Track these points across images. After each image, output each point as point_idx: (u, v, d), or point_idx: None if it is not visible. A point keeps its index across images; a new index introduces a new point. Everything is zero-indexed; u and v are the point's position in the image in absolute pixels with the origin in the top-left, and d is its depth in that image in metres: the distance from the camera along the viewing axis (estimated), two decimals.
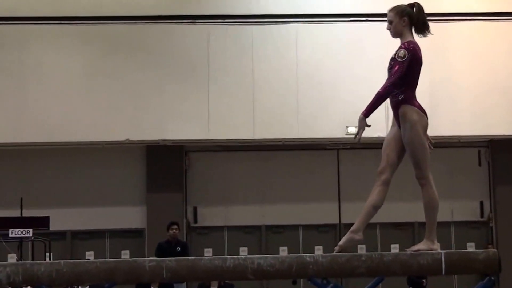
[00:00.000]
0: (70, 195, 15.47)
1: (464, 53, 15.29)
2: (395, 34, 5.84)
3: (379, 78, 15.81)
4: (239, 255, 7.92)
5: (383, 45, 15.21)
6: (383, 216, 15.43)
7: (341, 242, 5.58)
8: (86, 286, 10.96)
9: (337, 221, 15.91)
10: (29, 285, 5.49)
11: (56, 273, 5.12)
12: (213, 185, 15.83)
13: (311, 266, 5.20)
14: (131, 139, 14.95)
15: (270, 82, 15.07)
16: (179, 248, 12.65)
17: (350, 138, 14.41)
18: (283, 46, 15.15)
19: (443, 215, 15.71)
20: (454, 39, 15.28)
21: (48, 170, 15.50)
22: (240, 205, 15.85)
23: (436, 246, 5.60)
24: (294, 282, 12.80)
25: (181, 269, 5.15)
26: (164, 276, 5.15)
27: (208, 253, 14.39)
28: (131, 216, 15.60)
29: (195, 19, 15.14)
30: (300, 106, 14.98)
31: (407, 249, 5.58)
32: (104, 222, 15.54)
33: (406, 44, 5.70)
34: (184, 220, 15.50)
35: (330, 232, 15.94)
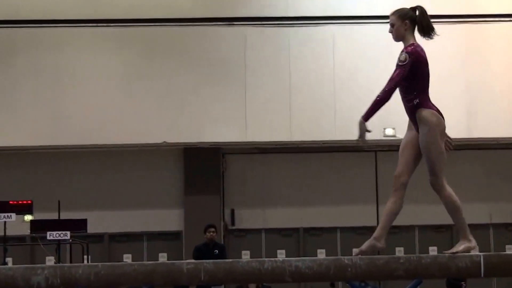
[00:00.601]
0: (108, 198, 15.55)
1: (501, 54, 15.13)
2: (397, 38, 5.78)
3: None
4: (276, 257, 7.90)
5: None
6: (422, 218, 15.38)
7: (363, 247, 5.54)
8: None
9: (375, 223, 15.77)
10: None
11: (94, 275, 5.13)
12: (250, 187, 15.82)
13: (349, 269, 5.16)
14: (168, 141, 14.99)
15: (307, 84, 15.03)
16: (217, 251, 12.63)
17: (388, 139, 14.35)
18: (320, 48, 15.11)
19: (481, 218, 15.65)
20: (491, 40, 15.12)
21: (86, 173, 15.59)
22: (278, 207, 15.83)
23: (474, 244, 5.55)
24: (333, 285, 12.78)
25: (218, 272, 5.14)
26: (202, 278, 5.14)
27: (245, 255, 14.41)
28: (168, 219, 15.64)
29: (232, 21, 15.15)
30: (337, 107, 14.92)
31: (446, 252, 5.52)
32: (142, 224, 15.60)
33: (407, 47, 5.64)
34: (222, 223, 15.51)
35: (368, 234, 15.59)
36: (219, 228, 14.76)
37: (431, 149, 5.63)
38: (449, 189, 5.69)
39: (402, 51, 5.67)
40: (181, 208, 15.60)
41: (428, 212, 14.63)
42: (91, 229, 13.67)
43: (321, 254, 14.87)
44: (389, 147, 15.13)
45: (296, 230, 15.84)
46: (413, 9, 5.79)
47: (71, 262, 13.21)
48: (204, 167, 15.60)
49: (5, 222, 12.60)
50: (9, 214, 12.53)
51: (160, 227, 15.68)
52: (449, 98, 14.79)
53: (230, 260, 5.37)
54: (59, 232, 12.64)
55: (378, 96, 5.63)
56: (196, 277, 5.17)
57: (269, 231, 15.85)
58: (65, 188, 15.26)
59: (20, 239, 14.76)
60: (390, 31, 5.81)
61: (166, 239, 15.72)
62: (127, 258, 15.04)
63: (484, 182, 15.75)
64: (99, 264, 5.25)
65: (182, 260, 12.15)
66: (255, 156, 15.97)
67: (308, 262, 5.16)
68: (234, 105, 14.97)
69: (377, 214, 15.82)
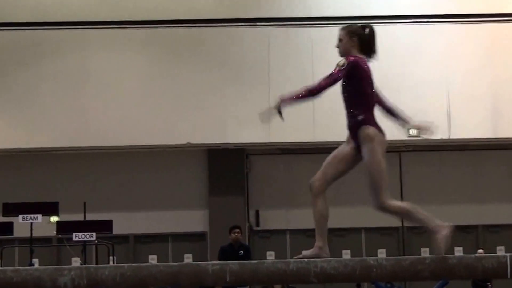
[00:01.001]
0: (133, 199, 15.61)
1: None
2: (343, 53, 5.70)
3: (440, 78, 15.73)
4: None
5: (444, 46, 15.14)
6: (448, 218, 15.30)
7: (307, 253, 5.46)
8: None
9: (399, 224, 15.74)
10: None
11: (120, 276, 5.15)
12: (274, 188, 15.82)
13: (374, 270, 5.14)
14: (192, 142, 15.03)
15: None
16: (242, 252, 12.64)
17: (412, 140, 14.27)
18: None
19: (507, 218, 15.54)
20: None
21: (111, 174, 15.67)
22: (302, 208, 15.74)
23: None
24: (358, 286, 12.76)
25: (244, 273, 5.14)
26: (228, 279, 5.15)
27: (270, 256, 14.41)
28: (193, 220, 15.68)
29: (255, 22, 15.16)
30: None
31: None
32: (167, 225, 15.64)
33: (349, 57, 5.56)
34: (246, 224, 15.52)
35: (393, 235, 15.80)
36: (244, 229, 14.76)
37: (375, 166, 5.59)
38: (394, 201, 5.62)
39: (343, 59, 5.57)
40: (206, 209, 15.63)
41: (453, 213, 14.59)
42: (116, 230, 13.72)
43: (346, 255, 14.84)
44: (414, 147, 15.10)
45: None
46: (363, 27, 5.73)
47: (96, 263, 13.28)
48: (228, 168, 15.63)
49: (31, 223, 12.70)
50: (35, 216, 12.62)
51: (185, 228, 15.72)
52: (474, 98, 14.72)
53: (256, 261, 5.38)
54: (85, 234, 12.71)
55: (309, 89, 5.57)
56: (222, 278, 5.17)
57: (293, 231, 15.84)
58: (90, 189, 15.34)
59: (46, 240, 14.85)
60: (337, 46, 5.74)
61: (191, 240, 15.76)
62: (152, 259, 15.09)
63: (508, 182, 15.65)
64: (125, 265, 5.27)
65: (207, 261, 12.17)
66: (279, 156, 15.98)
67: (333, 262, 5.16)
68: (258, 105, 14.86)
69: None
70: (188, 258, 15.09)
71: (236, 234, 12.87)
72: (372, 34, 5.71)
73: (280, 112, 5.51)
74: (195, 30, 15.10)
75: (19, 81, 14.90)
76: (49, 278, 5.13)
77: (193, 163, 15.85)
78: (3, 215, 12.79)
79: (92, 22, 14.95)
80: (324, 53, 15.04)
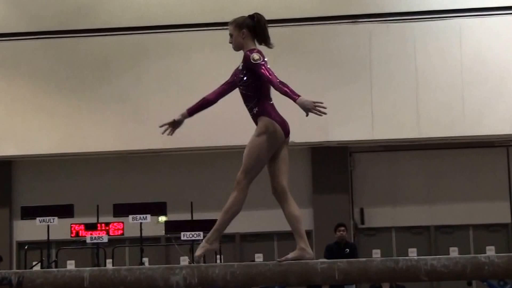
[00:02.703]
0: None
1: None
2: (236, 47, 5.63)
3: None
4: (407, 256, 7.81)
5: None
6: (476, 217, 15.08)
7: (289, 256, 5.41)
8: None
9: (508, 220, 15.42)
10: (202, 287, 5.59)
11: (231, 275, 5.22)
12: (379, 185, 15.70)
13: (486, 267, 5.05)
14: (295, 141, 15.03)
15: (434, 79, 14.80)
16: (348, 250, 12.61)
17: None
18: (446, 42, 14.86)
19: None
20: None
21: (216, 174, 15.82)
22: (408, 205, 15.64)
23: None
24: (470, 284, 12.52)
25: (353, 271, 5.13)
26: (336, 277, 5.15)
27: (376, 254, 14.31)
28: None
29: (356, 19, 15.09)
30: (466, 102, 14.64)
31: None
32: (272, 224, 15.70)
33: (250, 50, 5.47)
34: (351, 222, 15.46)
35: (502, 231, 15.48)
36: (349, 227, 14.71)
37: (254, 153, 5.53)
38: (241, 194, 5.69)
39: (247, 54, 5.48)
40: (310, 207, 15.64)
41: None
42: None
43: (454, 252, 14.60)
44: None
45: (426, 228, 15.61)
46: (251, 17, 5.59)
47: (204, 262, 13.44)
48: (332, 166, 15.60)
49: (140, 223, 12.98)
50: (144, 216, 12.90)
51: (288, 226, 15.69)
52: None
53: (364, 259, 5.37)
54: (193, 233, 12.90)
55: (280, 89, 5.55)
56: (330, 276, 5.18)
57: (399, 229, 15.69)
58: (197, 189, 15.55)
59: (155, 239, 15.15)
60: (230, 42, 5.63)
61: (293, 238, 15.75)
62: (259, 257, 15.18)
63: None
64: (235, 264, 5.34)
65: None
66: (383, 154, 15.84)
67: (443, 260, 5.09)
68: (360, 103, 14.90)
69: (511, 211, 15.43)
70: None
71: (342, 232, 12.84)
72: (260, 21, 5.61)
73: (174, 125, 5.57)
74: (297, 29, 15.13)
75: (127, 84, 15.24)
76: (161, 277, 5.24)
77: (297, 161, 15.87)
78: (114, 216, 13.12)
79: (195, 25, 15.15)
80: (428, 49, 14.87)
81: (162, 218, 13.94)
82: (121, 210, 13.19)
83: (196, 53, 15.21)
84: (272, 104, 5.63)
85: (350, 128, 14.86)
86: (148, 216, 13.00)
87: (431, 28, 14.97)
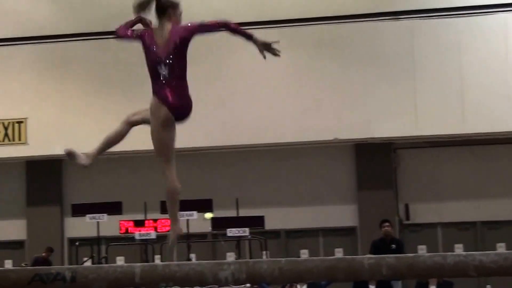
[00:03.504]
0: (283, 195, 15.79)
1: None
2: None
3: None
4: (453, 252, 7.78)
5: None
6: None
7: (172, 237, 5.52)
8: (304, 283, 11.20)
9: None
10: (250, 283, 5.66)
11: (278, 271, 5.24)
12: (423, 181, 15.64)
13: None
14: (339, 138, 15.07)
15: (479, 74, 14.71)
16: (394, 246, 12.56)
17: None
18: (491, 37, 14.76)
19: None
20: None
21: (261, 171, 15.90)
22: (453, 201, 15.56)
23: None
24: None
25: (401, 267, 5.13)
26: (384, 273, 5.15)
27: (422, 250, 14.26)
28: (343, 214, 15.71)
29: (398, 15, 15.03)
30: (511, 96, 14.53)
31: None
32: (317, 220, 15.74)
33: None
34: (396, 218, 15.42)
35: None
36: (394, 222, 14.66)
37: (153, 137, 5.76)
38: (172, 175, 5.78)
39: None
40: (355, 203, 15.64)
41: None
42: (268, 225, 13.96)
43: (501, 248, 14.48)
44: None
45: (473, 223, 15.52)
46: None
47: (250, 257, 13.54)
48: (376, 162, 15.58)
49: (187, 220, 13.10)
50: (191, 212, 13.01)
51: (335, 222, 15.77)
52: None
53: (412, 254, 5.37)
54: (238, 229, 12.99)
55: (234, 28, 5.46)
56: (378, 272, 5.17)
57: (445, 225, 15.62)
58: (242, 186, 15.64)
59: (202, 236, 15.26)
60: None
61: (341, 234, 15.80)
62: (304, 253, 15.23)
63: None
64: (282, 259, 5.36)
65: (358, 255, 12.19)
66: (427, 149, 15.78)
67: (492, 256, 5.07)
68: (404, 99, 14.86)
69: None
70: (338, 253, 15.14)
71: (387, 228, 12.81)
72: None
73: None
74: (340, 26, 15.13)
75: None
76: (210, 272, 5.28)
77: (341, 158, 15.88)
78: (161, 213, 13.24)
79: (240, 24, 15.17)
80: (472, 44, 14.76)
81: (209, 215, 14.06)
82: None
83: (238, 52, 15.07)
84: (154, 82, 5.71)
85: (394, 124, 14.82)
86: (195, 212, 13.12)
87: (476, 23, 14.87)
